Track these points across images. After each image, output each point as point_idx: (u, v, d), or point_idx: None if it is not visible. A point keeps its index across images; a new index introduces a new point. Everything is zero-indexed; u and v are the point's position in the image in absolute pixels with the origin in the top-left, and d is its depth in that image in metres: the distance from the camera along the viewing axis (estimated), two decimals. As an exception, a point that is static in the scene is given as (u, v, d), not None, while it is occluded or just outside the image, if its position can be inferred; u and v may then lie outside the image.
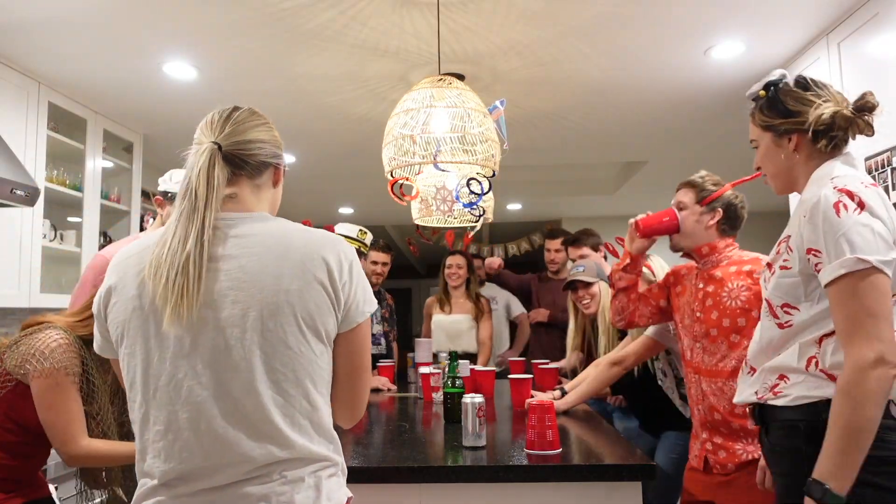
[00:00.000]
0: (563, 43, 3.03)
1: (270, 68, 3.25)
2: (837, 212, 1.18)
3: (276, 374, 1.03)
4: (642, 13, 2.76)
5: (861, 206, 1.18)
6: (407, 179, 2.57)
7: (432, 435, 2.09)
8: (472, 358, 3.79)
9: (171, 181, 2.31)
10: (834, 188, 1.21)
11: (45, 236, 3.30)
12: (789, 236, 1.32)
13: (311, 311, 1.06)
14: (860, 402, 1.11)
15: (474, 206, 2.64)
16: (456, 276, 3.85)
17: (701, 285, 1.98)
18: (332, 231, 3.32)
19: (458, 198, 2.64)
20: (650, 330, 2.35)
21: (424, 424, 2.30)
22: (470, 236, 3.92)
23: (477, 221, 2.80)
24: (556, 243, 3.99)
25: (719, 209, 1.99)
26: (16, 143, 3.02)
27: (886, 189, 2.40)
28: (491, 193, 2.74)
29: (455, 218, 2.83)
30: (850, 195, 1.19)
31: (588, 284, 2.82)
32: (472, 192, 2.56)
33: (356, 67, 3.25)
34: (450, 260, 3.89)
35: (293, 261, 1.07)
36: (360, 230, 3.38)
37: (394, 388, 3.22)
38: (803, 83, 1.39)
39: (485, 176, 2.54)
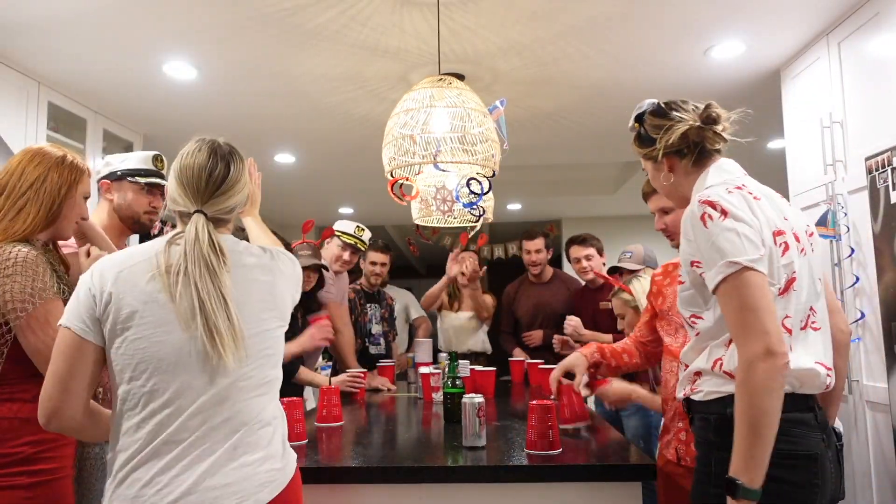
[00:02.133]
0: (563, 43, 3.03)
1: (270, 68, 3.25)
2: (704, 223, 1.28)
3: None
4: (642, 13, 2.76)
5: (724, 213, 1.27)
6: (407, 179, 2.57)
7: (432, 435, 2.09)
8: (478, 357, 3.77)
9: (114, 162, 2.11)
10: (699, 201, 1.30)
11: (44, 236, 3.29)
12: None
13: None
14: (753, 394, 1.18)
15: (474, 206, 2.64)
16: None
17: None
18: (332, 232, 3.32)
19: (458, 198, 2.64)
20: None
21: (424, 424, 2.30)
22: (485, 237, 3.89)
23: (477, 221, 2.80)
24: (535, 243, 3.71)
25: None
26: (16, 143, 3.01)
27: (887, 189, 2.40)
28: (491, 193, 2.74)
29: (455, 218, 2.83)
30: (713, 205, 1.28)
31: (632, 271, 2.75)
32: (472, 192, 2.56)
33: (356, 67, 3.25)
34: (462, 256, 3.86)
35: None
36: (357, 227, 3.34)
37: (394, 388, 3.22)
38: (658, 110, 1.47)
39: (485, 176, 2.54)
